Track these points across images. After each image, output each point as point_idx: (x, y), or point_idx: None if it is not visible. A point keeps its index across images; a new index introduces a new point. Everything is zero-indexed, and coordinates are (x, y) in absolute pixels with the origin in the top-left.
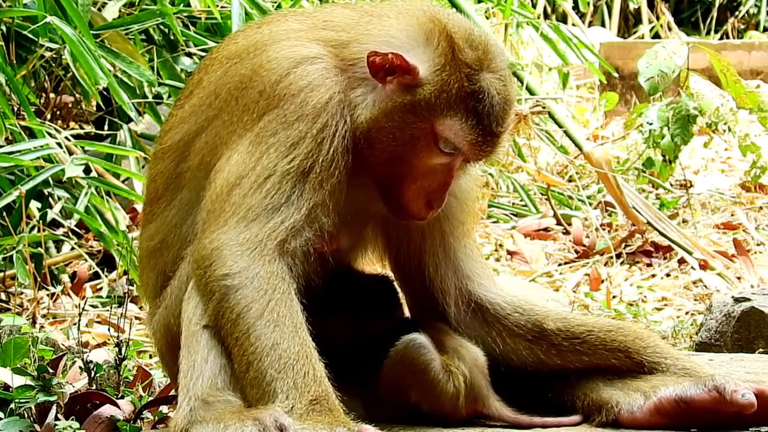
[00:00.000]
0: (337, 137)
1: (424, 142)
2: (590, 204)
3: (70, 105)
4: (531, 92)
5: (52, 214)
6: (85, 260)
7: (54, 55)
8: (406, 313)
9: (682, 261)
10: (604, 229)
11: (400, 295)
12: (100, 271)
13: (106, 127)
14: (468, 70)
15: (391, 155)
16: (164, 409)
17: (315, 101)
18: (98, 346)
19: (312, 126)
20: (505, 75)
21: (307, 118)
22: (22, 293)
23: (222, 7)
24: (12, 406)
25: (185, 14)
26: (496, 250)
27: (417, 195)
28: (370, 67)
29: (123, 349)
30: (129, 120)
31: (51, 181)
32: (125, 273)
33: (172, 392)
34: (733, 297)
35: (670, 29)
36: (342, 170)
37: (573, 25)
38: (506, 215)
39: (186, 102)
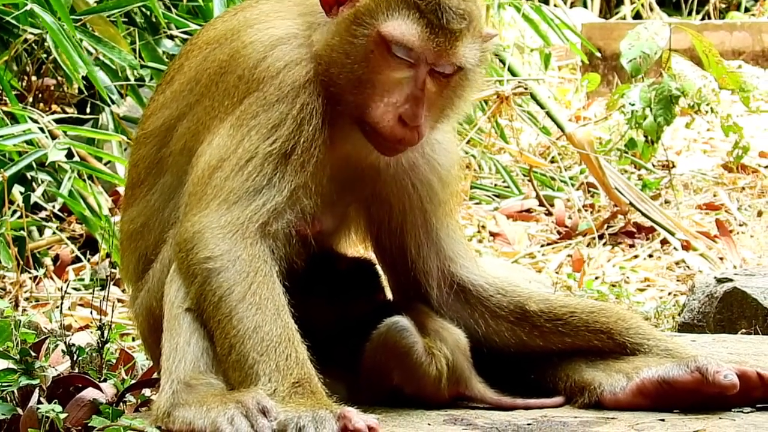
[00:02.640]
0: (316, 115)
1: (377, 53)
2: (572, 185)
3: (52, 88)
4: (513, 73)
5: (34, 198)
6: (67, 244)
7: (36, 39)
8: (389, 296)
9: (664, 242)
10: (586, 210)
11: (383, 278)
12: (81, 256)
13: (88, 110)
14: None
15: (353, 79)
16: (147, 392)
17: (292, 80)
18: (81, 329)
19: (292, 107)
20: None
21: (287, 99)
22: (4, 277)
23: None
24: None
25: None
26: (478, 232)
27: (386, 112)
28: (322, 5)
29: (105, 332)
30: (111, 103)
31: (34, 165)
32: (108, 256)
33: (155, 375)
34: (715, 277)
35: (651, 10)
36: (323, 147)
37: (555, 5)
38: (489, 196)
39: (167, 87)
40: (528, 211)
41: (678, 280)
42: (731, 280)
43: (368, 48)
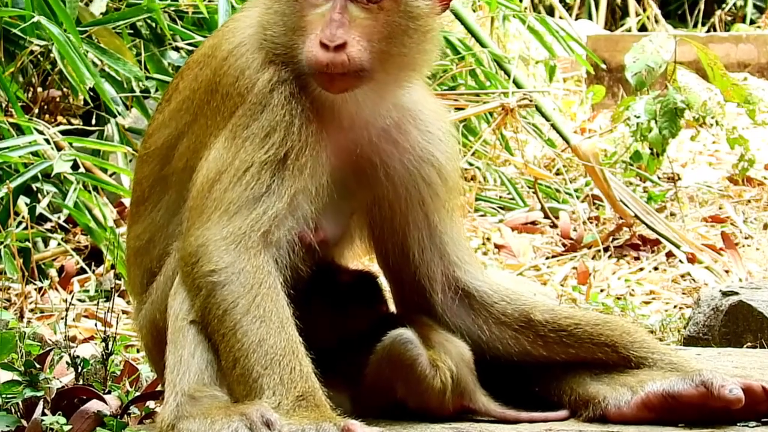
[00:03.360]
0: (299, 111)
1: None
2: (578, 197)
3: (57, 99)
4: (518, 85)
5: (40, 209)
6: (72, 256)
7: (42, 50)
8: (392, 308)
9: (669, 254)
10: (591, 223)
11: (386, 290)
12: (86, 267)
13: (93, 122)
14: None
15: (289, 33)
16: (151, 404)
17: (266, 85)
18: (85, 340)
19: (277, 112)
20: None
21: (270, 105)
22: (9, 288)
23: (209, 1)
24: None
25: (172, 9)
26: (483, 244)
27: (311, 44)
28: None
29: (110, 344)
30: (116, 114)
31: (40, 177)
32: (112, 267)
33: (159, 387)
34: (721, 291)
35: (657, 22)
36: (317, 143)
37: (560, 17)
38: (493, 209)
39: (166, 107)
40: (533, 223)
41: (683, 293)
42: (737, 294)
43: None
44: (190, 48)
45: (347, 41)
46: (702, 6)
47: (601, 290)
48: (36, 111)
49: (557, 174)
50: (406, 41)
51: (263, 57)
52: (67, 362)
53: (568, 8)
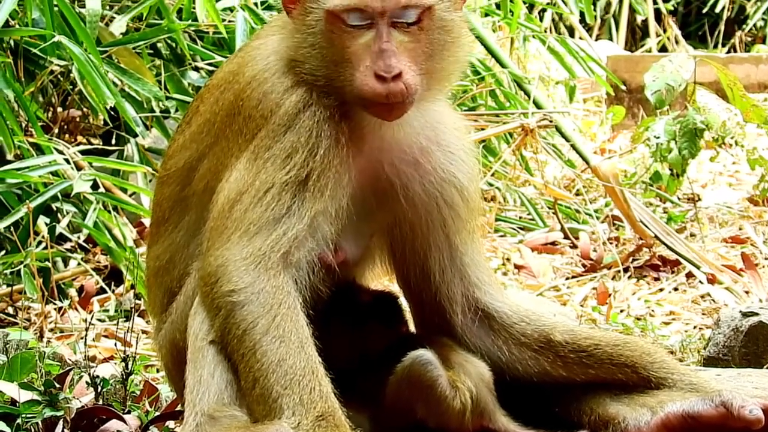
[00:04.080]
0: (326, 135)
1: (336, 30)
2: (597, 218)
3: (77, 119)
4: (538, 106)
5: (60, 229)
6: (92, 275)
7: (62, 70)
8: (412, 329)
9: (689, 275)
10: (611, 243)
11: (406, 311)
12: (106, 287)
13: (113, 142)
14: None
15: (329, 65)
16: (171, 424)
17: (292, 108)
18: (105, 360)
19: (300, 134)
20: None
21: (294, 127)
22: (29, 308)
23: (229, 21)
24: (19, 421)
25: (192, 29)
26: (503, 264)
27: (365, 77)
28: (284, 8)
29: (130, 364)
30: (136, 134)
31: (59, 196)
32: (132, 287)
33: (179, 407)
34: (741, 311)
35: (677, 42)
36: (342, 166)
37: (580, 38)
38: (513, 229)
39: (187, 129)
40: (553, 243)
41: (703, 314)
42: (757, 314)
43: (327, 31)
44: (210, 68)
45: (402, 70)
46: (722, 27)
47: (621, 311)
48: (56, 131)
49: (577, 194)
50: (445, 55)
51: (289, 81)
52: (86, 382)
53: (589, 29)
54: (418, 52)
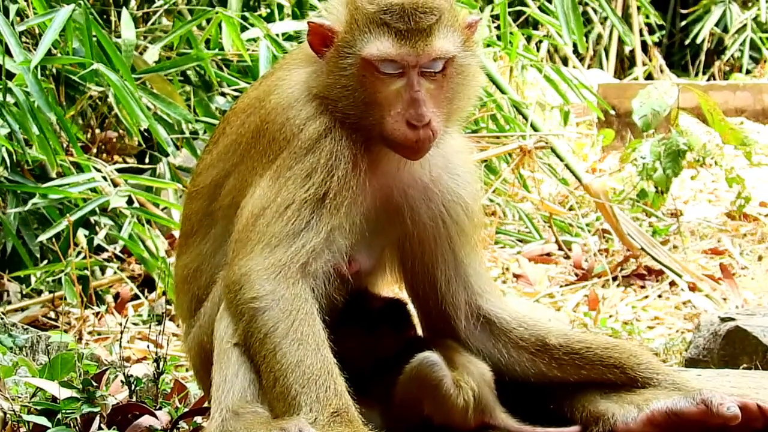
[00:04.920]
0: (344, 158)
1: (368, 76)
2: (589, 231)
3: (114, 140)
4: (535, 129)
5: (97, 240)
6: (127, 283)
7: (100, 95)
8: (419, 332)
9: (672, 283)
10: (601, 254)
11: (414, 316)
12: (140, 293)
13: (147, 161)
14: None
15: (359, 105)
16: (199, 419)
17: (313, 133)
18: (138, 361)
19: (320, 156)
20: None
21: (314, 150)
22: (69, 312)
23: (252, 50)
24: (59, 416)
25: (219, 57)
26: (503, 273)
27: (395, 122)
28: (311, 47)
29: (161, 364)
30: (167, 154)
31: (97, 211)
32: (164, 294)
33: (206, 404)
34: (719, 317)
35: (662, 71)
36: (357, 187)
37: (573, 67)
38: (512, 241)
39: (214, 148)
40: (548, 254)
41: (685, 319)
42: (734, 319)
43: (359, 75)
44: (235, 93)
45: (431, 118)
46: (703, 57)
47: (610, 316)
48: (94, 151)
49: (570, 210)
50: (462, 97)
51: (312, 110)
52: (121, 381)
53: (581, 58)
54: (442, 97)
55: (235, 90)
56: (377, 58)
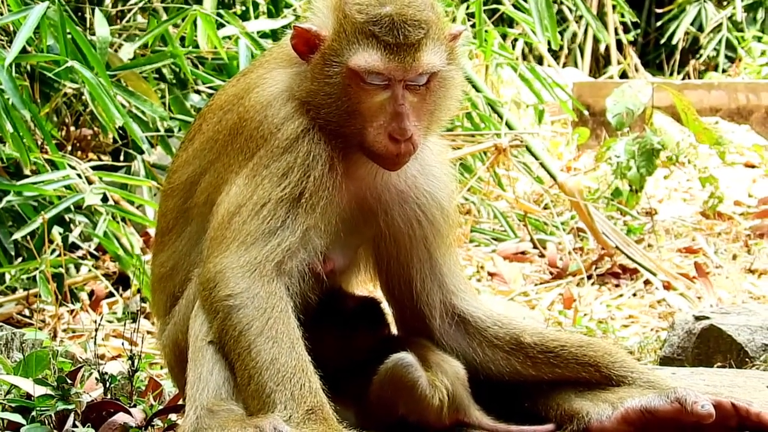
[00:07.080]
0: (321, 159)
1: (353, 86)
2: (564, 230)
3: (89, 138)
4: (510, 127)
5: (72, 238)
6: (102, 281)
7: (75, 92)
8: (394, 331)
9: (647, 282)
10: (576, 253)
11: (388, 315)
12: (114, 291)
13: (121, 158)
14: (357, 7)
15: (341, 114)
16: (173, 416)
17: (291, 133)
18: (113, 358)
19: (297, 156)
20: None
21: (291, 149)
22: (44, 310)
23: (228, 47)
24: (33, 413)
25: (194, 55)
26: (477, 272)
27: (377, 134)
28: (295, 50)
29: (136, 362)
30: (142, 151)
31: (72, 208)
32: (138, 292)
33: (180, 402)
34: (693, 315)
35: (637, 70)
36: (333, 188)
37: (548, 66)
38: (487, 240)
39: (189, 146)
40: (523, 253)
41: (659, 317)
42: (708, 318)
43: (344, 84)
44: (210, 91)
45: (413, 132)
46: (678, 56)
47: (585, 314)
48: (69, 148)
49: (545, 208)
50: (443, 108)
51: (291, 110)
52: (96, 378)
53: (556, 57)
54: (424, 110)
55: (210, 87)
56: (364, 69)
